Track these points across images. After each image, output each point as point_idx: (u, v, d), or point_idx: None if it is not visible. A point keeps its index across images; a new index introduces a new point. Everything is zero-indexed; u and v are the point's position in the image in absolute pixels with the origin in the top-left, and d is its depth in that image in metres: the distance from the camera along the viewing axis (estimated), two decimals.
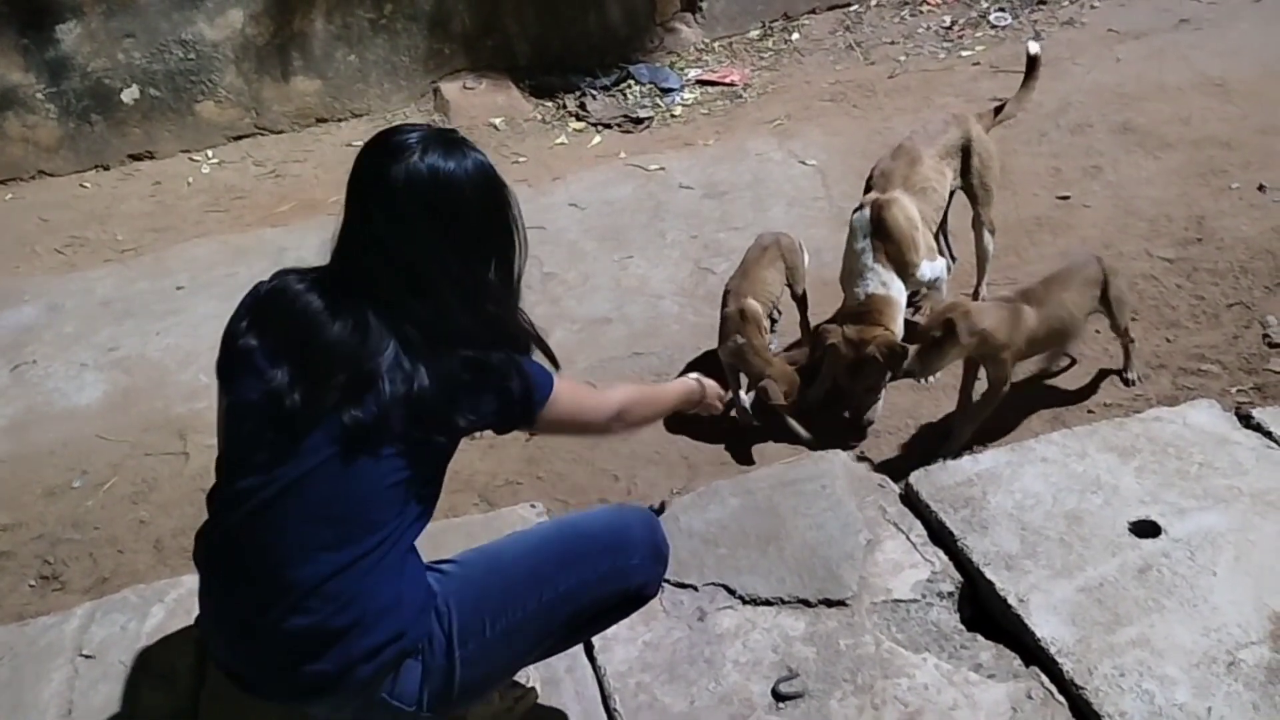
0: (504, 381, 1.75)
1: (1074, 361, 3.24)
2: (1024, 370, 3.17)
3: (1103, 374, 3.19)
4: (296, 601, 1.64)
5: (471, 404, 1.71)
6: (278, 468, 1.65)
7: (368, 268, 1.69)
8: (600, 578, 1.85)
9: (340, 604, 1.65)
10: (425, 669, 1.73)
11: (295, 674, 1.68)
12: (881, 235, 3.11)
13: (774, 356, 3.23)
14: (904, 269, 3.14)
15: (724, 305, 3.30)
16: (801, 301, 3.47)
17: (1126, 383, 3.13)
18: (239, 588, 1.72)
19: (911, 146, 3.29)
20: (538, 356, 1.87)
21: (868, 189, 3.29)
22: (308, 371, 1.64)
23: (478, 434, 1.81)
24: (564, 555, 1.85)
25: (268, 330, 1.71)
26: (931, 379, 3.16)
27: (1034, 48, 3.63)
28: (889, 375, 3.08)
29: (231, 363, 1.74)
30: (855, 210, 3.23)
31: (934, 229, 3.29)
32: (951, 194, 3.40)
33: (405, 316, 1.67)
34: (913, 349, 2.92)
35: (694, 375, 2.36)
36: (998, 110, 3.61)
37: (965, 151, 3.37)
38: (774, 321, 3.45)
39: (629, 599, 1.91)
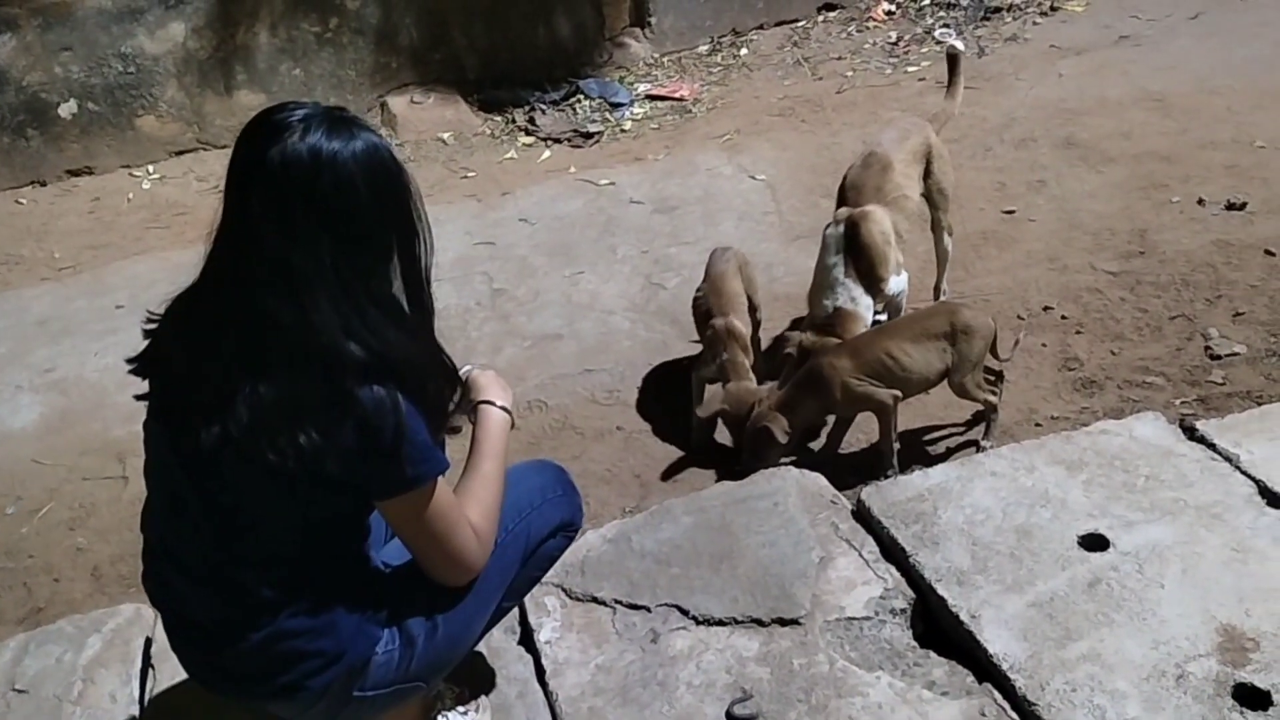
0: (374, 419, 1.51)
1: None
2: None
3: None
4: (229, 628, 1.65)
5: (321, 427, 1.50)
6: (173, 513, 1.66)
7: (239, 264, 1.52)
8: (536, 511, 1.91)
9: (270, 633, 1.64)
10: (408, 640, 1.73)
11: (253, 684, 1.70)
12: (854, 251, 3.11)
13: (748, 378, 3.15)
14: (874, 285, 3.14)
15: (700, 320, 3.29)
16: (755, 316, 3.43)
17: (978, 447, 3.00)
18: (179, 607, 1.74)
19: (883, 154, 3.29)
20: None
21: (840, 201, 3.30)
22: (182, 393, 1.59)
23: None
24: (507, 500, 1.83)
25: (157, 357, 1.66)
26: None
27: (957, 45, 3.68)
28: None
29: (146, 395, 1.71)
30: (828, 225, 3.23)
31: (903, 240, 3.29)
32: None
33: (268, 322, 1.50)
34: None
35: (482, 400, 1.88)
36: (938, 115, 3.64)
37: (926, 157, 3.41)
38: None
39: (560, 527, 1.97)
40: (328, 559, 1.69)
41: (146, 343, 1.68)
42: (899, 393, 2.90)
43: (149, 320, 1.68)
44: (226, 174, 1.54)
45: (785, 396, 2.96)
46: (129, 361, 1.69)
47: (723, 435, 3.20)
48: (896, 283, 3.21)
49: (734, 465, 3.04)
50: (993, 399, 2.98)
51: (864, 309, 3.13)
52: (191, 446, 1.56)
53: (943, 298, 3.61)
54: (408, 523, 1.64)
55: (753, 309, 3.39)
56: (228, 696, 1.78)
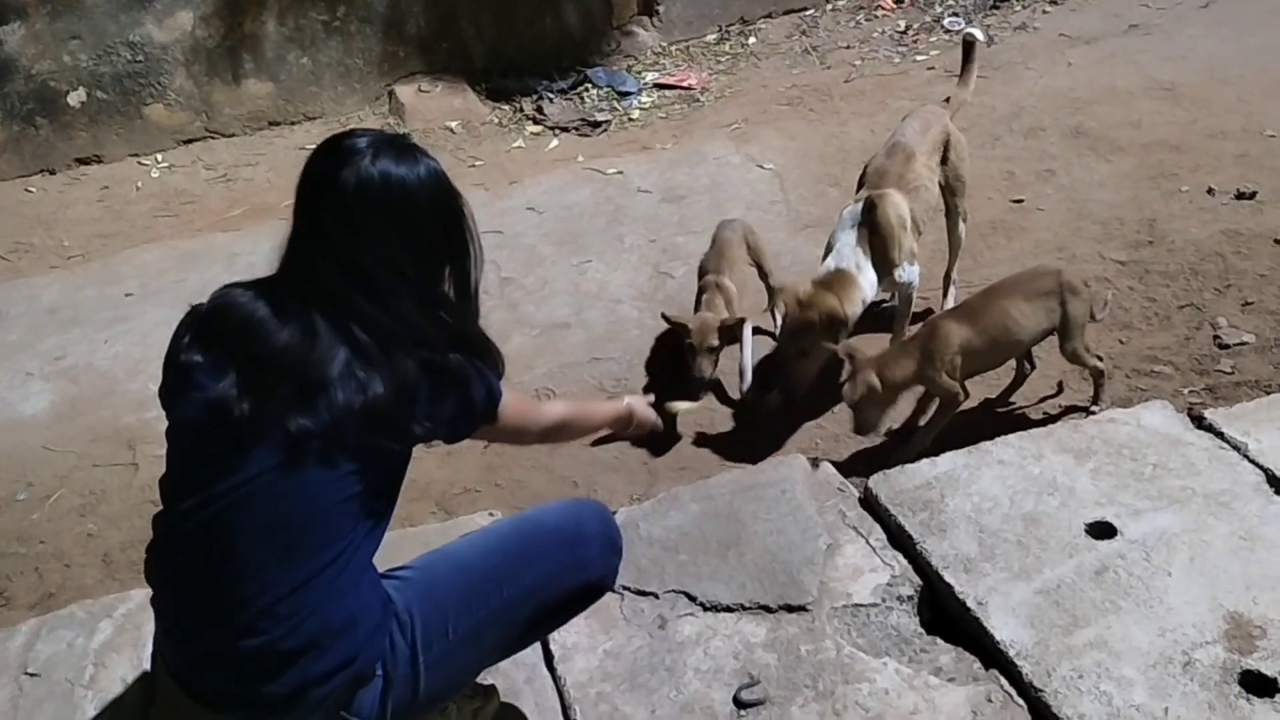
0: (463, 386, 1.74)
1: (1033, 368, 3.23)
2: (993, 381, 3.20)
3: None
4: (247, 622, 1.60)
5: (429, 409, 1.68)
6: (220, 483, 1.60)
7: (318, 272, 1.65)
8: (560, 569, 1.87)
9: (292, 625, 1.61)
10: (387, 681, 1.70)
11: (248, 693, 1.65)
12: (869, 227, 3.13)
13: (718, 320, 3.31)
14: (885, 266, 3.15)
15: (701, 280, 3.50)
16: (767, 282, 3.65)
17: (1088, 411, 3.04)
18: (190, 607, 1.68)
19: (906, 144, 3.31)
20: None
21: (860, 186, 3.32)
22: (255, 380, 1.59)
23: (432, 444, 1.78)
24: (523, 551, 1.86)
25: (212, 345, 1.65)
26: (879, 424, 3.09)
27: (974, 33, 3.67)
28: (824, 349, 3.06)
29: (174, 383, 1.68)
30: (846, 205, 3.25)
31: (921, 231, 3.30)
32: None
33: (357, 321, 1.63)
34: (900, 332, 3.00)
35: (630, 399, 2.34)
36: (948, 101, 3.64)
37: (945, 145, 3.42)
38: None
39: (587, 591, 1.93)
40: (353, 563, 1.67)
41: (203, 322, 1.68)
42: (966, 394, 2.94)
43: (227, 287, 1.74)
44: (296, 194, 1.69)
45: (889, 353, 2.95)
46: (181, 331, 1.70)
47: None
48: (909, 272, 3.22)
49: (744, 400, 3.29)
50: (1100, 364, 2.99)
51: (865, 279, 3.13)
52: (268, 436, 1.57)
53: (952, 287, 3.60)
54: (500, 429, 1.89)
55: (763, 275, 3.63)
56: (221, 706, 1.69)
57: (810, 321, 3.03)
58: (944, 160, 3.43)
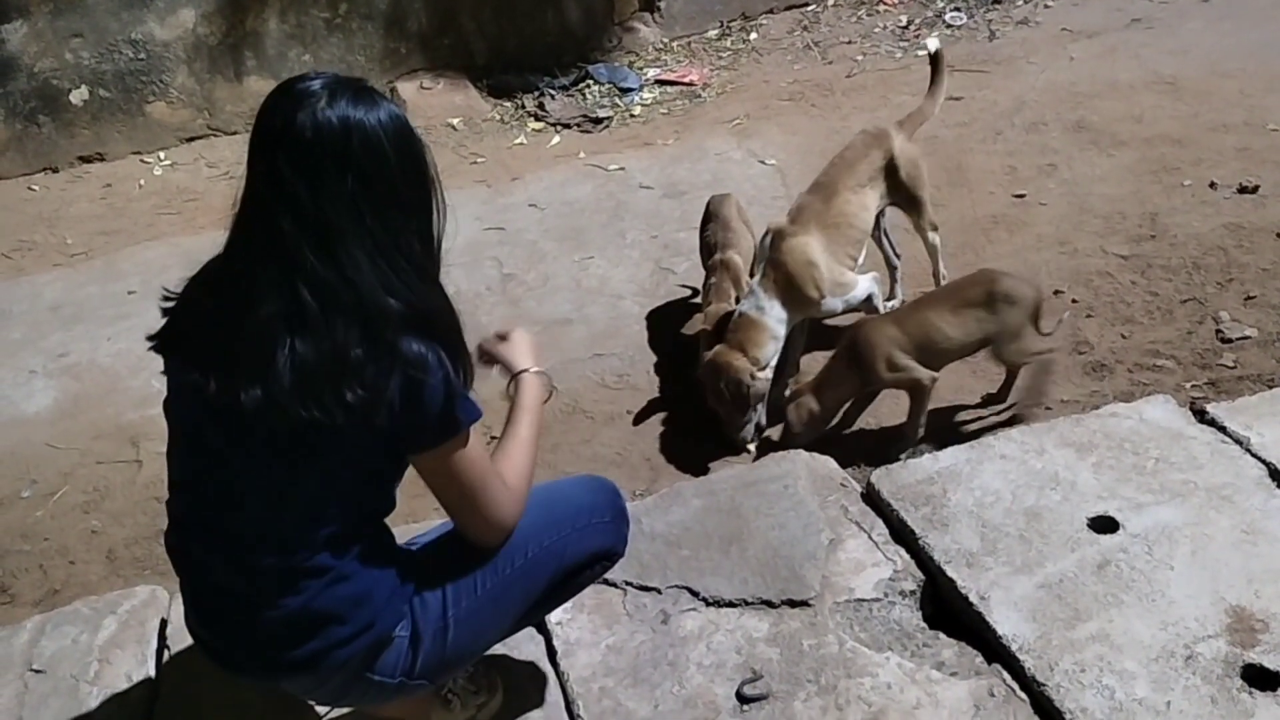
0: (417, 371, 1.56)
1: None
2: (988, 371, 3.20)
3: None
4: (266, 596, 1.65)
5: (367, 382, 1.53)
6: (213, 473, 1.65)
7: (272, 228, 1.54)
8: (578, 532, 1.89)
9: (311, 595, 1.65)
10: (415, 637, 1.74)
11: (271, 656, 1.70)
12: (775, 266, 3.12)
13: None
14: (803, 302, 3.13)
15: (706, 253, 3.59)
16: None
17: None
18: (211, 585, 1.74)
19: (827, 181, 3.25)
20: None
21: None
22: (216, 358, 1.59)
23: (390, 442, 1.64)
24: (546, 514, 1.86)
25: (187, 326, 1.67)
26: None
27: (933, 44, 3.59)
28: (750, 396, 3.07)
29: (168, 365, 1.72)
30: (763, 234, 3.24)
31: (856, 258, 3.26)
32: (881, 212, 3.42)
33: (305, 280, 1.53)
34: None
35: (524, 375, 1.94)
36: (914, 116, 3.54)
37: (890, 169, 3.32)
38: None
39: (600, 556, 1.95)
40: (364, 528, 1.71)
41: (166, 319, 1.69)
42: (937, 375, 2.92)
43: (166, 298, 1.70)
44: (250, 143, 1.58)
45: (823, 374, 2.98)
46: (150, 338, 1.70)
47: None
48: (843, 301, 3.19)
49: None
50: (1050, 354, 2.99)
51: (771, 319, 3.10)
52: (232, 412, 1.56)
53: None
54: (443, 475, 1.67)
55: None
56: (243, 673, 1.78)
57: (721, 391, 3.06)
58: (895, 186, 3.33)
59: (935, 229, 3.50)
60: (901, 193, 3.37)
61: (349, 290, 1.54)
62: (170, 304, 1.70)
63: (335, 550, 1.66)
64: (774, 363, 3.15)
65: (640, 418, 3.32)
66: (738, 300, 3.30)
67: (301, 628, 1.66)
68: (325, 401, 1.53)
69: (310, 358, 1.52)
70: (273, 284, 1.54)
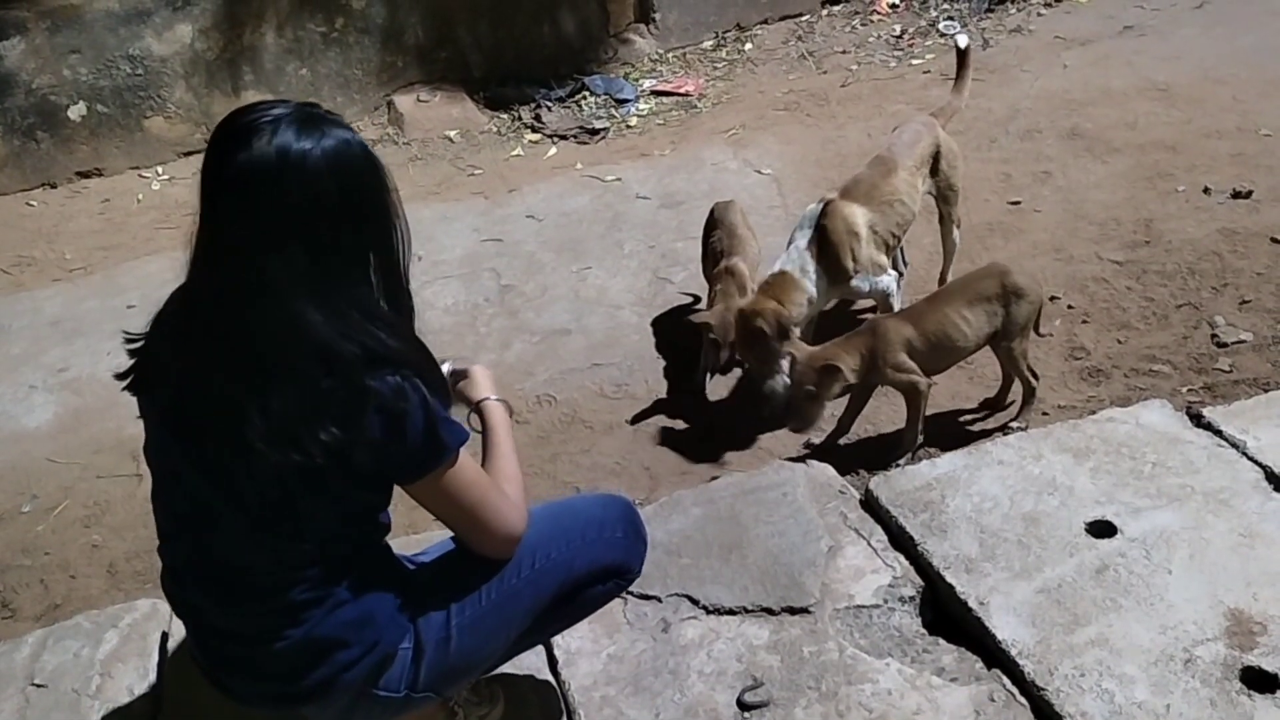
0: (394, 405, 1.51)
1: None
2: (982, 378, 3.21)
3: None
4: (268, 633, 1.64)
5: (341, 421, 1.49)
6: (195, 528, 1.65)
7: (216, 274, 1.49)
8: (587, 546, 1.87)
9: (311, 625, 1.64)
10: (419, 648, 1.72)
11: (279, 689, 1.69)
12: (820, 233, 3.15)
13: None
14: (838, 272, 3.17)
15: (710, 261, 3.57)
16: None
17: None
18: (212, 626, 1.73)
19: (889, 157, 3.33)
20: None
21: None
22: (184, 410, 1.57)
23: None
24: (554, 527, 1.85)
25: (152, 371, 1.64)
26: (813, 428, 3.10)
27: (963, 41, 3.68)
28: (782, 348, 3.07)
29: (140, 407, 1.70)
30: (809, 205, 3.28)
31: (895, 242, 3.31)
32: None
33: (256, 330, 1.47)
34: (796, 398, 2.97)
35: (480, 398, 1.92)
36: (944, 110, 3.65)
37: (935, 156, 3.42)
38: None
39: (612, 572, 1.92)
40: (358, 553, 1.70)
41: (133, 360, 1.65)
42: (935, 381, 2.93)
43: (129, 340, 1.66)
44: (200, 180, 1.48)
45: (833, 350, 2.95)
46: (119, 378, 1.66)
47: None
48: (870, 281, 3.22)
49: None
50: (1033, 381, 3.01)
51: (810, 282, 3.14)
52: (211, 459, 1.56)
53: None
54: (442, 499, 1.64)
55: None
56: (255, 705, 1.76)
57: (758, 330, 3.04)
58: (935, 171, 3.44)
59: (959, 226, 3.59)
60: (941, 180, 3.45)
61: (300, 341, 1.47)
62: (135, 344, 1.65)
63: (332, 578, 1.65)
64: (802, 325, 3.19)
65: (638, 419, 3.35)
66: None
67: (307, 657, 1.65)
68: (303, 444, 1.48)
69: (280, 408, 1.47)
70: (226, 335, 1.49)
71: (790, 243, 3.23)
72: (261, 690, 1.73)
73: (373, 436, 1.52)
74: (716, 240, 3.60)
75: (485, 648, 1.83)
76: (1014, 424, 3.03)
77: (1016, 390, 3.11)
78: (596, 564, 1.89)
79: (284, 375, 1.48)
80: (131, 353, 1.65)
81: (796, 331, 3.11)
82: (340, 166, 1.47)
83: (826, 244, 3.14)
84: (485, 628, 1.79)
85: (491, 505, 1.69)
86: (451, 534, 1.77)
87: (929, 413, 3.05)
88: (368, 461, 1.54)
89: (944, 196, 3.50)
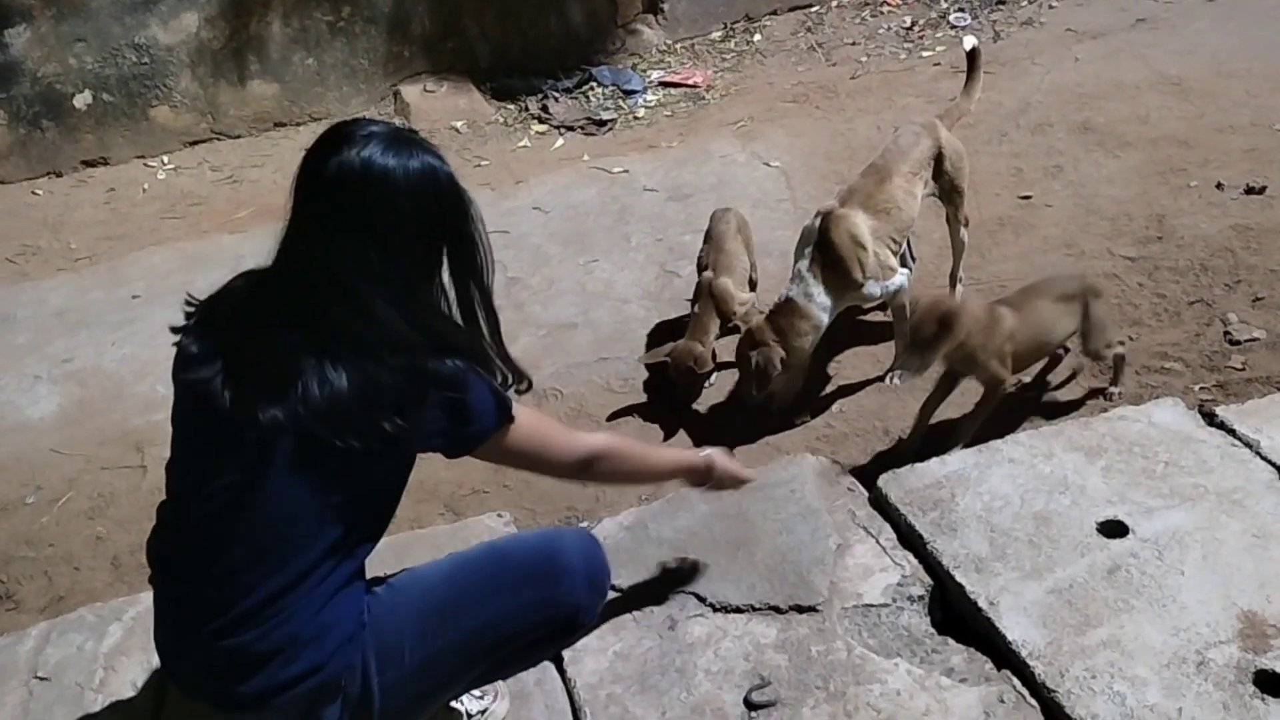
0: (454, 392, 1.64)
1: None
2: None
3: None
4: (225, 623, 1.62)
5: (403, 411, 1.59)
6: (210, 482, 1.61)
7: (300, 266, 1.60)
8: (524, 607, 1.81)
9: (264, 630, 1.61)
10: (345, 698, 1.69)
11: (220, 689, 1.66)
12: (823, 248, 3.11)
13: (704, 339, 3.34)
14: (847, 283, 3.13)
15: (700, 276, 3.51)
16: (751, 275, 3.66)
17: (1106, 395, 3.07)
18: (176, 597, 1.71)
19: (883, 165, 3.27)
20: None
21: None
22: (236, 372, 1.59)
23: (428, 451, 1.72)
24: (487, 583, 1.81)
25: (207, 333, 1.67)
26: (903, 380, 3.10)
27: (969, 42, 3.62)
28: (772, 377, 3.11)
29: (175, 367, 1.69)
30: (807, 222, 3.24)
31: (899, 246, 3.28)
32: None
33: (330, 322, 1.57)
34: (903, 347, 2.95)
35: (710, 451, 2.15)
36: (951, 110, 3.61)
37: (937, 159, 3.37)
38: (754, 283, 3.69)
39: (560, 628, 1.88)
40: (342, 563, 1.67)
41: (199, 307, 1.71)
42: (1021, 379, 2.95)
43: (189, 302, 1.74)
44: (295, 176, 1.61)
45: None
46: (174, 330, 1.72)
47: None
48: (883, 285, 3.19)
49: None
50: (1122, 349, 3.05)
51: (816, 306, 3.11)
52: (246, 429, 1.55)
53: (959, 286, 3.59)
54: (503, 453, 1.78)
55: (750, 266, 3.65)
56: (196, 698, 1.72)
57: (754, 357, 3.10)
58: (939, 173, 3.38)
59: (967, 225, 3.55)
60: (945, 182, 3.41)
61: (373, 330, 1.57)
62: (190, 309, 1.73)
63: (305, 584, 1.62)
64: (810, 354, 3.21)
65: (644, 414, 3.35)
66: (723, 331, 3.38)
67: (250, 663, 1.62)
68: (362, 430, 1.56)
69: (341, 386, 1.55)
70: (303, 312, 1.59)
71: (795, 262, 3.19)
72: (202, 684, 1.69)
73: (439, 425, 1.64)
74: (704, 254, 3.55)
75: (410, 709, 1.79)
76: (1113, 389, 3.05)
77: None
78: (534, 622, 1.83)
79: (351, 361, 1.56)
80: (188, 314, 1.73)
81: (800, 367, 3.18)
82: (421, 187, 1.60)
83: (833, 256, 3.10)
84: (408, 691, 1.75)
85: (551, 447, 1.85)
86: (403, 571, 1.85)
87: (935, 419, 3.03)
88: (439, 446, 1.69)
89: (948, 198, 3.45)
